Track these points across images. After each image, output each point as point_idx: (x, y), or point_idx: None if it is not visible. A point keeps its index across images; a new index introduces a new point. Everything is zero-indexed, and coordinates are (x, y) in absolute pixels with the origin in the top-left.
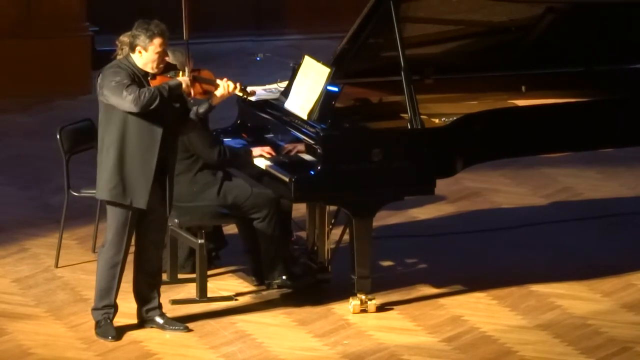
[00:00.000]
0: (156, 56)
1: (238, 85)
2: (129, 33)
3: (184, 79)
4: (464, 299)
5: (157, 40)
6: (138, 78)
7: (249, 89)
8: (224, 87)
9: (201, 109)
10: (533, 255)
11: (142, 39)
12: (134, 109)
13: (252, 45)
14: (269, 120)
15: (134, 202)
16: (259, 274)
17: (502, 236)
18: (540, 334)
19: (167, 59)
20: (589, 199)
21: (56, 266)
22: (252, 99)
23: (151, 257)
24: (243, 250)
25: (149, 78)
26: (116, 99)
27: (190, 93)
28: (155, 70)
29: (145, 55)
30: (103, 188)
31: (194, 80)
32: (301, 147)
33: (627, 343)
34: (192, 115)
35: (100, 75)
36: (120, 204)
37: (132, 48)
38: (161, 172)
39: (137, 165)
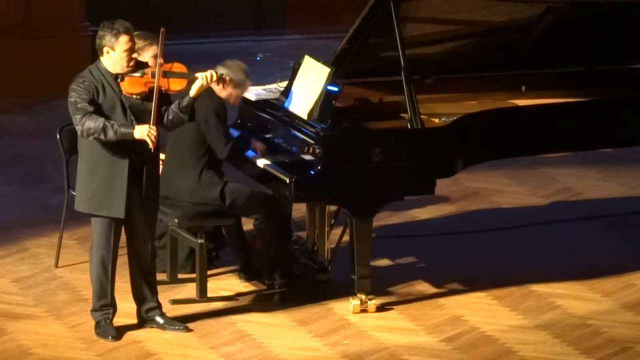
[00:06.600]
0: (124, 54)
1: (214, 74)
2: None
3: (140, 129)
4: (464, 299)
5: (123, 38)
6: (107, 84)
7: (224, 76)
8: (202, 78)
9: (184, 102)
10: (533, 255)
11: (107, 39)
12: (80, 136)
13: (252, 45)
14: (269, 120)
15: (110, 212)
16: (249, 270)
17: (502, 236)
18: (540, 334)
19: (138, 58)
20: (589, 199)
21: (56, 266)
22: (252, 98)
23: (143, 256)
24: (231, 247)
25: (118, 80)
26: (72, 116)
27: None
28: (126, 70)
29: (113, 55)
30: (79, 200)
31: (164, 75)
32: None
33: (627, 343)
34: (174, 108)
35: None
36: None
37: (100, 50)
38: (136, 174)
39: (108, 175)
